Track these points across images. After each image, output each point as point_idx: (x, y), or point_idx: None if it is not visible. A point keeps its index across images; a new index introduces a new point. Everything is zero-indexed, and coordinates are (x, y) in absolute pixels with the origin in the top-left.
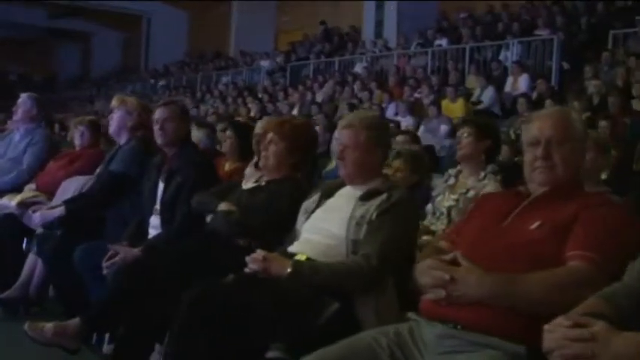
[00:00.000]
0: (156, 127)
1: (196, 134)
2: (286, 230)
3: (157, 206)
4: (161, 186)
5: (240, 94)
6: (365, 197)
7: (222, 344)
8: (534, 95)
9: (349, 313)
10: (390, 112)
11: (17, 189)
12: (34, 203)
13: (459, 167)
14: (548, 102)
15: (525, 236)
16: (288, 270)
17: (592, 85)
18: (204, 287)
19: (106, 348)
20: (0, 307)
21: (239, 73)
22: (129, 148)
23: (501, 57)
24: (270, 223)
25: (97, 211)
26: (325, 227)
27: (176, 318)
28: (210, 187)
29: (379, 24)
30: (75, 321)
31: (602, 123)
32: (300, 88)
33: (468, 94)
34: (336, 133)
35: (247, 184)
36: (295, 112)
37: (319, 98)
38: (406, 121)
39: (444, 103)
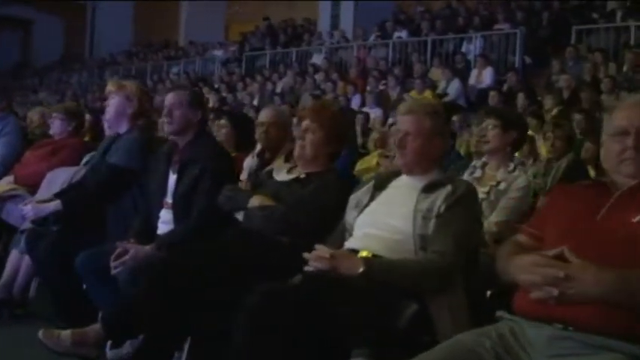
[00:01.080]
0: (164, 115)
1: None
2: (332, 226)
3: (168, 199)
4: (173, 178)
5: (195, 84)
6: (428, 189)
7: (296, 355)
8: (505, 88)
9: (425, 314)
10: (355, 103)
11: None
12: (11, 197)
13: (483, 159)
14: (520, 95)
15: (630, 229)
16: (361, 269)
17: (562, 80)
18: (268, 291)
19: (110, 354)
20: None
21: (191, 62)
22: (130, 138)
23: (463, 50)
24: (318, 218)
25: (95, 206)
26: (388, 221)
27: (235, 330)
28: (231, 179)
29: (335, 17)
30: (94, 328)
31: (577, 116)
32: (259, 78)
33: (433, 87)
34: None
35: (280, 176)
36: (255, 102)
37: (279, 89)
38: (375, 113)
39: (412, 95)
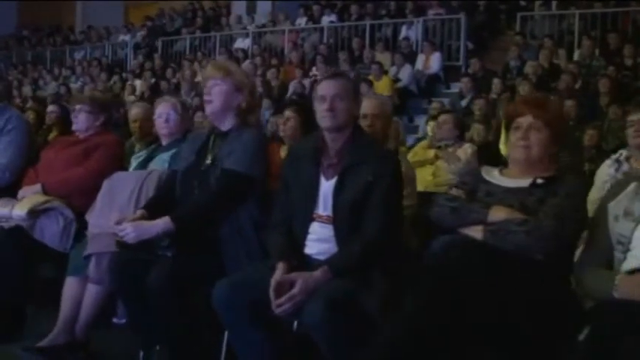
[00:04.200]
0: (323, 106)
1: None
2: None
3: (321, 211)
4: (327, 184)
5: (109, 71)
6: None
7: None
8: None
9: None
10: (306, 90)
11: None
12: (45, 210)
13: (624, 152)
14: (497, 81)
15: None
16: None
17: (529, 66)
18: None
19: None
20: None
21: (97, 48)
22: (249, 139)
23: (403, 35)
24: (580, 231)
25: (211, 222)
26: None
27: None
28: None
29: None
30: None
31: (569, 102)
32: (187, 64)
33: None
34: None
35: (504, 182)
36: (183, 91)
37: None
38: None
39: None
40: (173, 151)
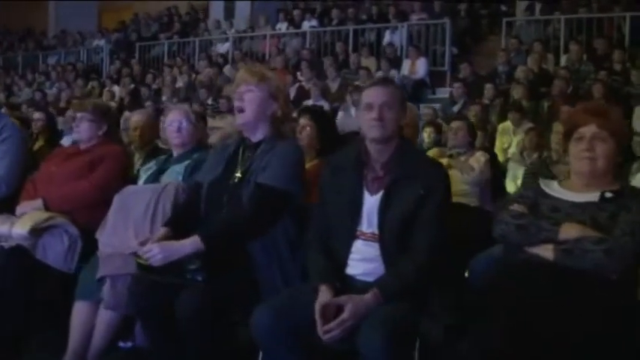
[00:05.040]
0: (370, 115)
1: None
2: None
3: (365, 228)
4: (372, 199)
5: (85, 76)
6: None
7: None
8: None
9: None
10: (292, 96)
11: None
12: (47, 228)
13: None
14: (489, 86)
15: None
16: None
17: (521, 71)
18: None
19: None
20: None
21: (72, 53)
22: (284, 151)
23: (387, 40)
24: None
25: (244, 242)
26: None
27: None
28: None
29: (229, 5)
30: None
31: (565, 108)
32: (167, 69)
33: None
34: None
35: (568, 196)
36: (165, 96)
37: (180, 82)
38: (325, 107)
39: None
40: (186, 162)
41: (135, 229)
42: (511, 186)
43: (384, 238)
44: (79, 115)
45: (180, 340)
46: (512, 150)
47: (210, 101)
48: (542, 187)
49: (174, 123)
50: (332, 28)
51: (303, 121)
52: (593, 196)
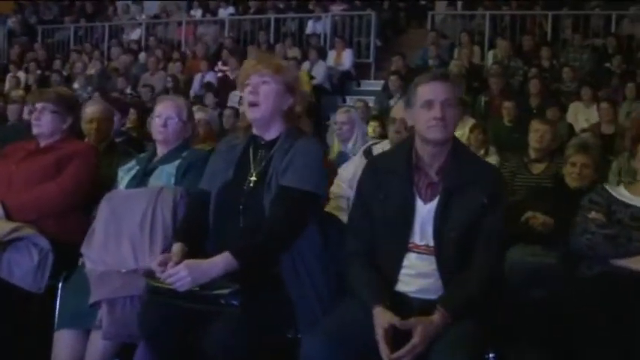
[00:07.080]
0: (431, 114)
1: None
2: None
3: (418, 240)
4: (426, 207)
5: None
6: None
7: None
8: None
9: None
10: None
11: None
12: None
13: None
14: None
15: None
16: None
17: (454, 65)
18: None
19: None
20: None
21: None
22: (306, 151)
23: (310, 30)
24: None
25: (277, 256)
26: None
27: None
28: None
29: None
30: None
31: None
32: (76, 55)
33: None
34: None
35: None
36: (78, 84)
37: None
38: None
39: None
40: (176, 162)
41: (131, 244)
42: None
43: (442, 252)
44: (39, 105)
45: None
46: None
47: (129, 90)
48: (611, 191)
49: (162, 116)
50: (252, 17)
51: None
52: None
